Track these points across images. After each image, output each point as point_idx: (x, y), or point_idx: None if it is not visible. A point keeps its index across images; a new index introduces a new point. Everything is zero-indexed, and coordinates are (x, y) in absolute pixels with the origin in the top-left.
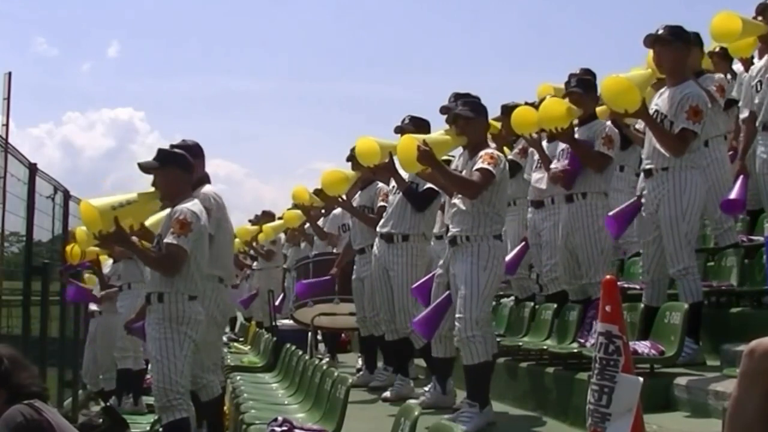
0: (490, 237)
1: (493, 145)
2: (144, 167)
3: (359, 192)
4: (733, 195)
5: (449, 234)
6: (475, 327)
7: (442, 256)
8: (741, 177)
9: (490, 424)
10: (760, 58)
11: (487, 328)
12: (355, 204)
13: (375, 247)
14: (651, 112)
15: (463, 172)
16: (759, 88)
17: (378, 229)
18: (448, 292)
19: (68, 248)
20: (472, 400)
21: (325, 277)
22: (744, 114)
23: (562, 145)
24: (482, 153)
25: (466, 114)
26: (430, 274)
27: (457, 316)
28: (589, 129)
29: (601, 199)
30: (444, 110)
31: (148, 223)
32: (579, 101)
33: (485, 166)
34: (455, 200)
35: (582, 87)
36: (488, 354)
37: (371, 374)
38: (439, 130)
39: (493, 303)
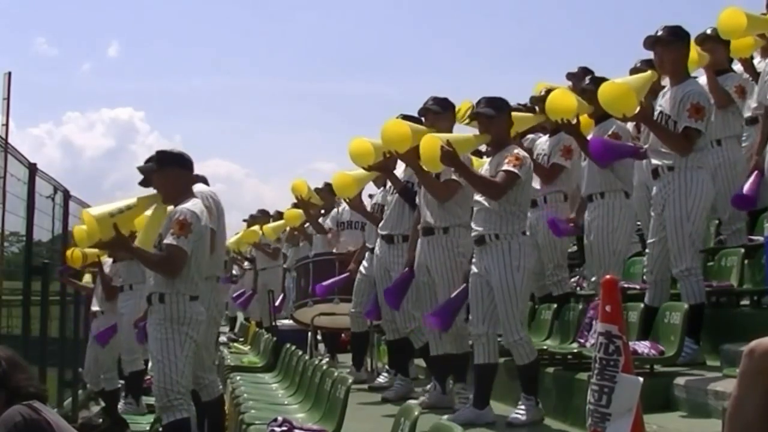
0: (519, 234)
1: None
2: (143, 171)
3: (381, 190)
4: (744, 190)
5: (474, 233)
6: (521, 328)
7: (424, 253)
8: (755, 173)
9: (488, 424)
10: (763, 57)
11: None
12: (374, 202)
13: (376, 248)
14: (655, 113)
15: (486, 166)
16: None
17: (378, 230)
18: (464, 285)
19: (69, 252)
20: (527, 395)
21: (344, 275)
22: (747, 114)
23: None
24: (508, 154)
25: (488, 113)
26: (398, 278)
27: (502, 321)
28: (601, 128)
29: (619, 197)
30: (422, 111)
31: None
32: (593, 99)
33: (510, 168)
34: (479, 198)
35: (596, 85)
36: (535, 351)
37: (357, 371)
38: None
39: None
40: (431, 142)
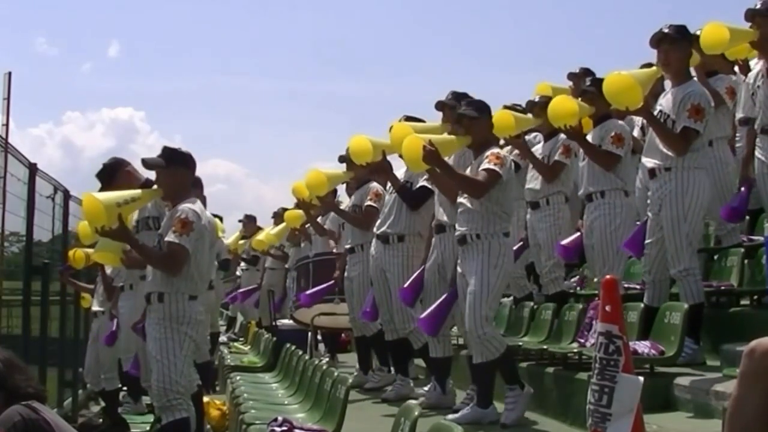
0: (500, 235)
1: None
2: (149, 165)
3: (355, 191)
4: (734, 203)
5: (457, 233)
6: (486, 324)
7: (437, 250)
8: (745, 185)
9: (492, 423)
10: (760, 59)
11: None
12: (349, 203)
13: (372, 248)
14: (655, 113)
15: (468, 171)
16: (757, 94)
17: (375, 230)
18: (452, 289)
19: (70, 253)
20: (510, 385)
21: (329, 283)
22: (740, 114)
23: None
24: (488, 153)
25: (470, 113)
26: (415, 276)
27: (467, 315)
28: (602, 128)
29: (619, 197)
30: (439, 106)
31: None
32: (593, 101)
33: (491, 166)
34: (462, 199)
35: (597, 87)
36: (501, 348)
37: (365, 375)
38: (433, 123)
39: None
40: (414, 143)
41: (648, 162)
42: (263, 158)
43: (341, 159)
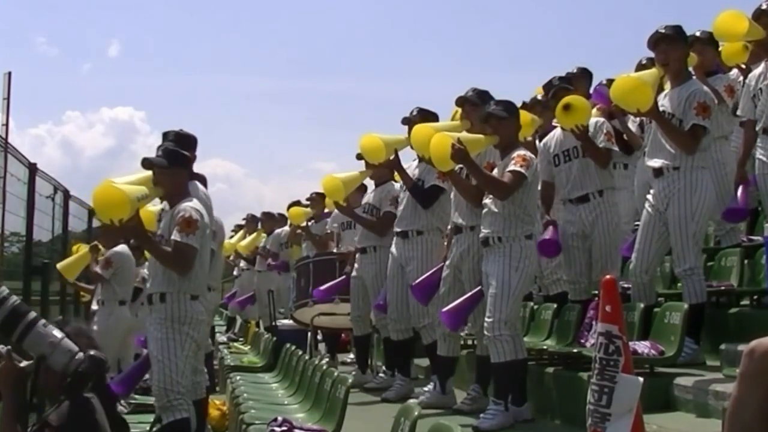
0: (522, 237)
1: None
2: (151, 164)
3: (373, 190)
4: (734, 204)
5: (481, 235)
6: (503, 326)
7: (453, 251)
8: (741, 186)
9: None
10: (751, 63)
11: (515, 328)
12: (365, 201)
13: (393, 247)
14: None
15: (495, 171)
16: (759, 96)
17: (394, 228)
18: (479, 287)
19: (74, 248)
20: (497, 398)
21: (341, 278)
22: (740, 116)
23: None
24: (515, 154)
25: (500, 114)
26: (430, 273)
27: (487, 315)
28: (594, 126)
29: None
30: (459, 101)
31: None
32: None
33: (517, 168)
34: (486, 200)
35: (554, 98)
36: (516, 353)
37: (363, 374)
38: (448, 120)
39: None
40: (442, 141)
41: (654, 162)
42: (263, 158)
43: (359, 157)
